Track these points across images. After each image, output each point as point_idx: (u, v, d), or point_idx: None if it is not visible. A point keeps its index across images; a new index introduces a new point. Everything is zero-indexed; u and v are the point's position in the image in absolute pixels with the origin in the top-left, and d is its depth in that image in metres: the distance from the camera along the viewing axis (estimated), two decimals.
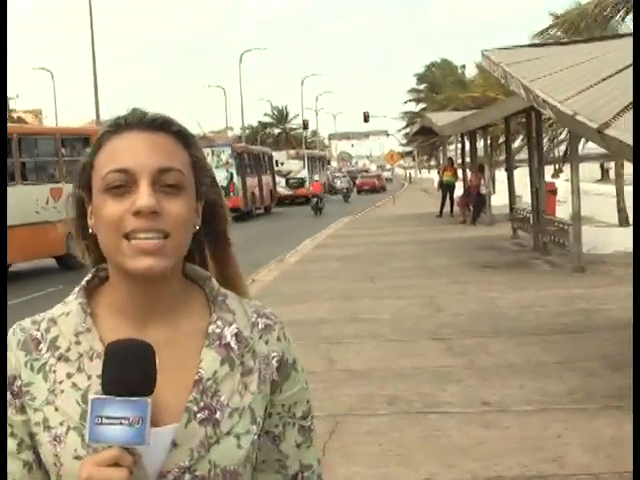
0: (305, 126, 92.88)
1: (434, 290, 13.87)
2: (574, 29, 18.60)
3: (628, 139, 5.74)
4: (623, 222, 20.68)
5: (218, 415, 1.58)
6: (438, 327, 10.88)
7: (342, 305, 12.98)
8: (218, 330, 1.64)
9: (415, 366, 8.96)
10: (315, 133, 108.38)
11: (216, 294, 1.68)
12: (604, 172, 57.17)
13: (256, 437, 1.62)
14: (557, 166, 44.39)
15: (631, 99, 6.69)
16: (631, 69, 8.04)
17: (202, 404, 1.57)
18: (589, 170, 48.80)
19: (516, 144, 35.28)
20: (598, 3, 17.33)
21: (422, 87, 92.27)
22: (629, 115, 6.41)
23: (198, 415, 1.56)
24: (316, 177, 54.72)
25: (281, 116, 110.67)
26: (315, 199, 42.88)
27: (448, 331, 10.59)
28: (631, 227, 20.17)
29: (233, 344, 1.63)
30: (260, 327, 1.68)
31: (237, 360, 1.63)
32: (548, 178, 28.23)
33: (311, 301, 13.58)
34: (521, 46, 13.18)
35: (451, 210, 32.44)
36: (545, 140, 26.36)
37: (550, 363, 8.76)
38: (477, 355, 9.29)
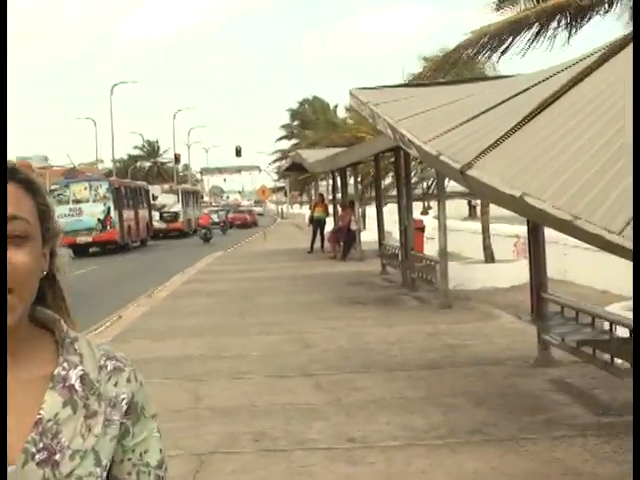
0: (177, 160, 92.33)
1: (303, 326, 13.89)
2: (441, 70, 19.02)
3: (489, 180, 5.88)
4: (489, 259, 21.10)
5: (58, 457, 1.56)
6: (307, 363, 10.88)
7: (211, 341, 12.87)
8: (63, 372, 1.62)
9: (282, 403, 8.93)
10: (187, 167, 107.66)
11: (65, 337, 1.67)
12: (472, 209, 58.51)
13: None
14: (426, 203, 45.23)
15: (495, 139, 6.85)
16: (496, 109, 8.25)
17: (41, 445, 1.55)
18: (457, 207, 49.83)
19: (387, 181, 35.80)
20: (460, 45, 17.78)
21: (295, 123, 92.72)
22: (492, 155, 6.56)
23: (37, 456, 1.54)
24: (193, 211, 60.42)
25: (152, 149, 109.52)
26: (204, 230, 47.44)
27: (316, 367, 10.60)
28: (496, 264, 20.66)
29: (77, 386, 1.62)
30: (109, 369, 1.68)
31: (81, 402, 1.61)
32: (417, 215, 28.74)
33: (179, 337, 13.43)
34: (389, 86, 13.39)
35: (322, 246, 32.65)
36: (414, 177, 26.86)
37: (415, 399, 8.85)
38: (344, 391, 9.32)
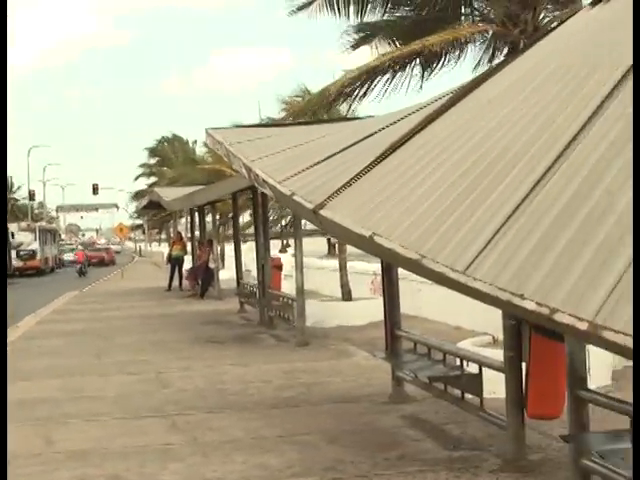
0: (31, 197, 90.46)
1: (160, 366, 13.74)
2: (301, 117, 19.29)
3: (340, 220, 5.97)
4: (346, 296, 21.35)
5: None
6: (163, 403, 10.76)
7: (66, 383, 12.60)
8: None
9: (138, 444, 8.79)
10: (42, 204, 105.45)
11: None
12: (331, 247, 59.04)
13: None
14: (285, 241, 45.44)
15: (347, 179, 6.97)
16: (350, 150, 8.39)
17: None
18: (317, 244, 50.21)
19: (246, 218, 35.86)
20: (320, 92, 18.09)
21: (153, 161, 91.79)
22: (344, 195, 6.67)
23: None
24: (51, 249, 64.35)
25: None
26: (80, 265, 52.20)
27: (172, 408, 10.49)
28: (354, 301, 20.88)
29: None
30: None
31: None
32: (276, 253, 28.85)
33: (33, 379, 13.08)
34: (246, 125, 13.49)
35: (180, 284, 32.41)
36: (272, 215, 26.99)
37: (271, 437, 8.84)
38: (201, 431, 9.25)
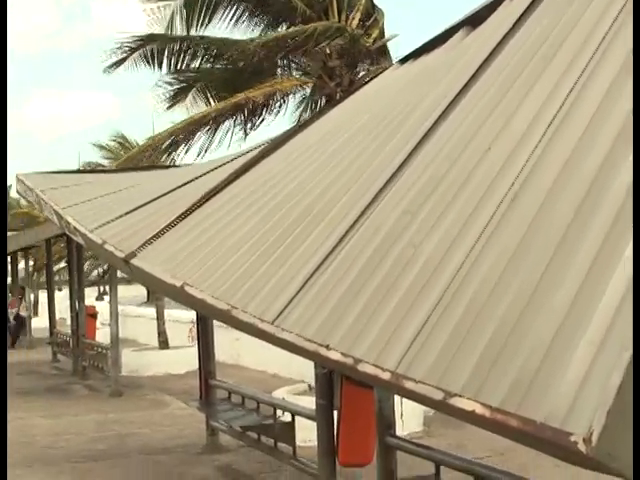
0: None
1: None
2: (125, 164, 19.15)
3: (151, 269, 5.91)
4: (162, 345, 21.08)
5: None
6: None
7: None
8: None
9: None
10: None
11: None
12: (151, 294, 58.12)
13: None
14: (102, 288, 44.54)
15: (160, 228, 6.91)
16: (164, 198, 8.33)
17: None
18: (138, 290, 49.42)
19: (61, 265, 34.95)
20: (145, 146, 18.05)
21: None
22: (156, 244, 6.61)
23: None
24: None
25: None
26: None
27: None
28: (171, 350, 20.64)
29: None
30: None
31: None
32: (92, 300, 28.26)
33: None
34: (62, 171, 13.21)
35: None
36: (87, 263, 26.47)
37: None
38: None
